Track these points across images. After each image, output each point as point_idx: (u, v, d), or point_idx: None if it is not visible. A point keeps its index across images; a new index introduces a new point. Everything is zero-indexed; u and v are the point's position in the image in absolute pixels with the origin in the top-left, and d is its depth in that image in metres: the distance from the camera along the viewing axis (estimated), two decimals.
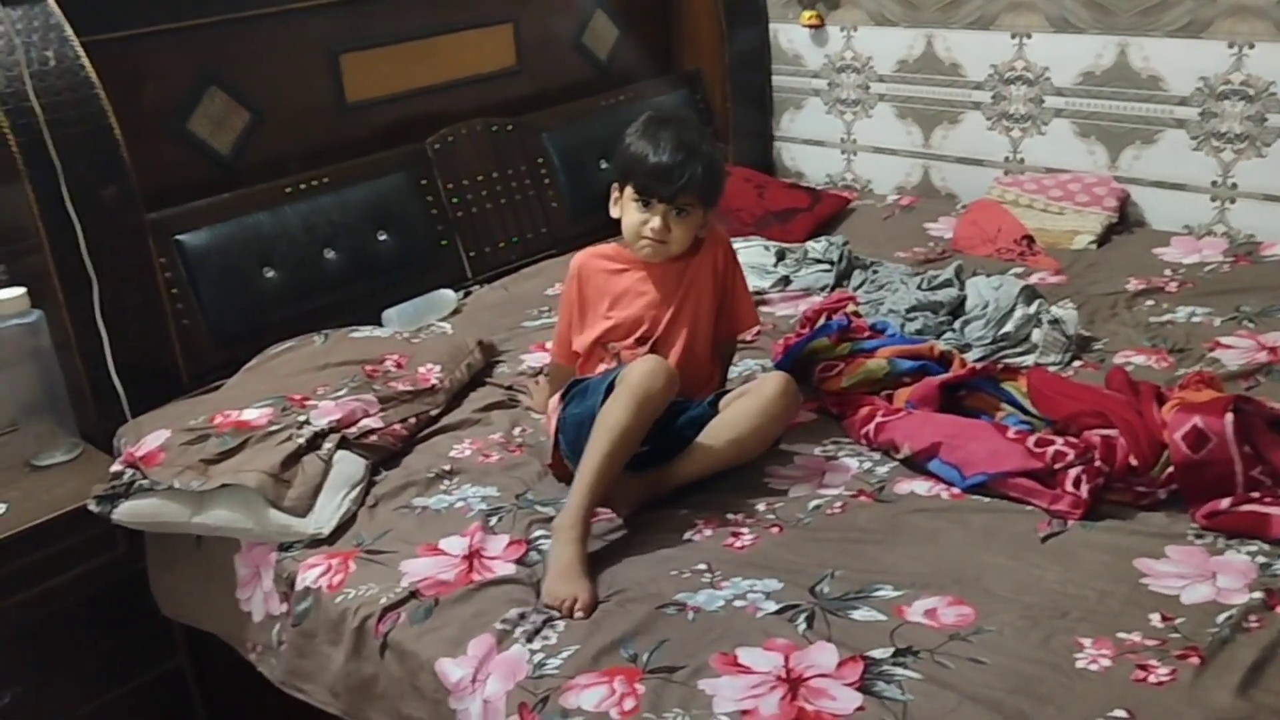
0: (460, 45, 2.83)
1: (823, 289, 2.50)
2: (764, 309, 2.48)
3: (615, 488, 1.65)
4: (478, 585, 1.55)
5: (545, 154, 2.94)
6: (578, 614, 1.47)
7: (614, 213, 1.85)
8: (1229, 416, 1.53)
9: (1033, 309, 2.13)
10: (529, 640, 1.44)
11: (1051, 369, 2.05)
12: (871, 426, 1.82)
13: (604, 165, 2.97)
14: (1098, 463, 1.60)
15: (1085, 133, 2.80)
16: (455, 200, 2.74)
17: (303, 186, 2.47)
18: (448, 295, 2.57)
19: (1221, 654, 1.30)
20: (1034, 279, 2.49)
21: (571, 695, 1.34)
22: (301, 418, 1.88)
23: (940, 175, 3.14)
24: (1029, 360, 2.08)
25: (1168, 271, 2.46)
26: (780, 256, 2.64)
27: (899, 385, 1.95)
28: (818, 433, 1.91)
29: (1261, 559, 1.46)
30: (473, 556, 1.62)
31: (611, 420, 1.60)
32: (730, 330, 1.96)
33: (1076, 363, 2.08)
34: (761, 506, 1.70)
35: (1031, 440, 1.69)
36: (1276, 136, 2.47)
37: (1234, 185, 2.58)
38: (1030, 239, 2.66)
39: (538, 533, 1.67)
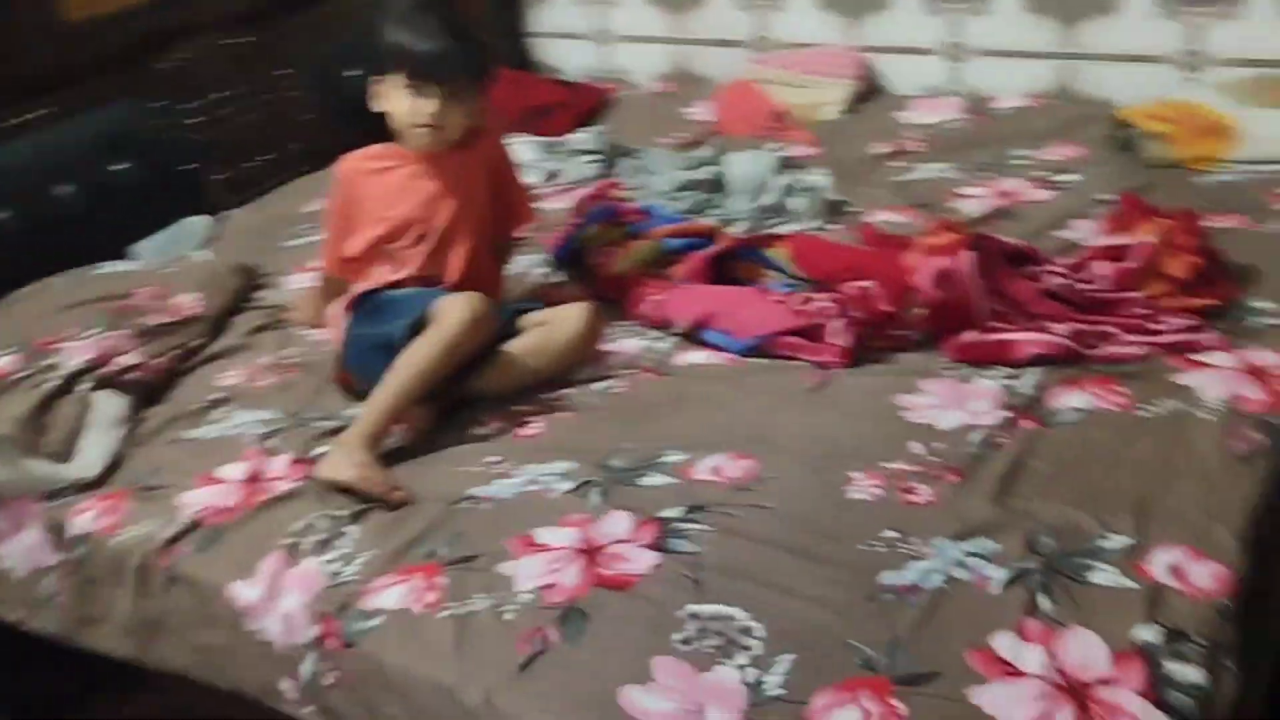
0: None
1: (592, 179, 2.50)
2: (535, 204, 2.46)
3: (409, 420, 1.63)
4: (261, 506, 1.51)
5: (290, 65, 2.79)
6: (397, 496, 1.48)
7: (379, 106, 1.76)
8: (966, 255, 1.64)
9: (788, 179, 2.21)
10: (321, 551, 1.42)
11: (811, 234, 2.14)
12: (648, 304, 1.86)
13: (355, 71, 2.84)
14: (856, 312, 1.69)
15: (825, 5, 2.89)
16: (197, 121, 2.57)
17: (18, 120, 2.26)
18: (197, 223, 2.43)
19: (976, 470, 1.41)
20: (790, 152, 2.58)
21: (371, 597, 1.34)
22: (50, 361, 1.76)
23: (695, 59, 3.18)
24: (790, 228, 2.15)
25: (911, 132, 2.59)
26: (546, 151, 2.62)
27: (672, 264, 1.99)
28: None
29: (1004, 381, 1.59)
30: (253, 480, 1.56)
31: (420, 361, 1.59)
32: (507, 226, 1.93)
33: (833, 225, 2.17)
34: (548, 395, 1.71)
35: (796, 301, 1.77)
36: None
37: (964, 46, 2.72)
38: (783, 113, 2.74)
39: (320, 449, 1.62)
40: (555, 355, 1.73)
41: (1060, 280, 1.68)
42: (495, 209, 1.86)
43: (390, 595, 1.34)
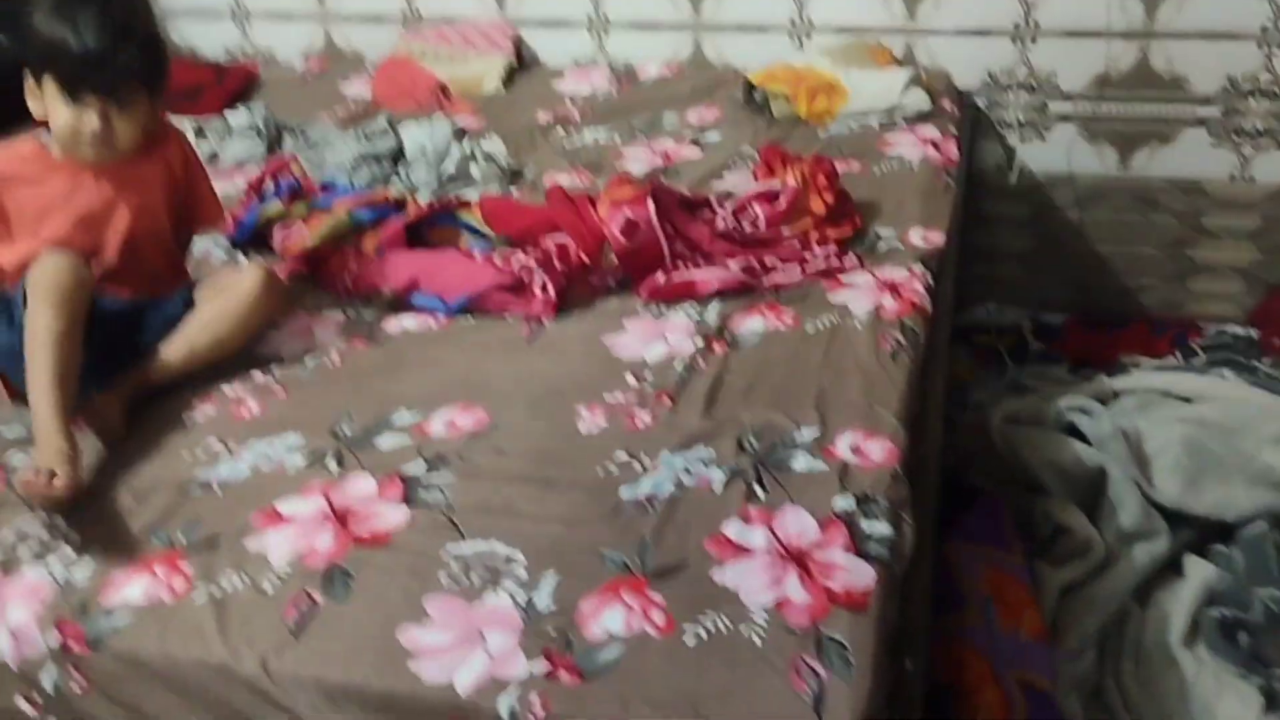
0: None
1: (259, 158, 2.44)
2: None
3: (92, 417, 1.53)
4: None
5: None
6: (57, 485, 1.35)
7: (36, 110, 1.57)
8: (650, 204, 1.81)
9: (465, 148, 2.28)
10: (41, 556, 1.34)
11: (498, 196, 2.24)
12: (347, 276, 1.87)
13: None
14: (557, 265, 1.81)
15: None
16: None
17: None
18: None
19: (684, 391, 1.58)
20: (457, 122, 2.65)
21: (112, 592, 1.29)
22: None
23: (343, 35, 3.15)
24: (474, 194, 2.24)
25: (568, 102, 2.75)
26: (199, 133, 2.51)
27: (363, 236, 2.01)
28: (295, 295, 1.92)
29: (694, 315, 1.77)
30: None
31: (39, 330, 1.46)
32: (193, 232, 1.84)
33: (514, 190, 2.28)
34: (258, 375, 1.69)
35: (497, 258, 1.86)
36: None
37: (606, 19, 2.91)
38: (444, 87, 2.80)
39: (13, 456, 1.52)
40: (236, 320, 1.65)
41: (728, 223, 1.89)
42: (177, 216, 1.74)
43: (133, 590, 1.29)
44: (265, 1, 3.16)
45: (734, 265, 1.82)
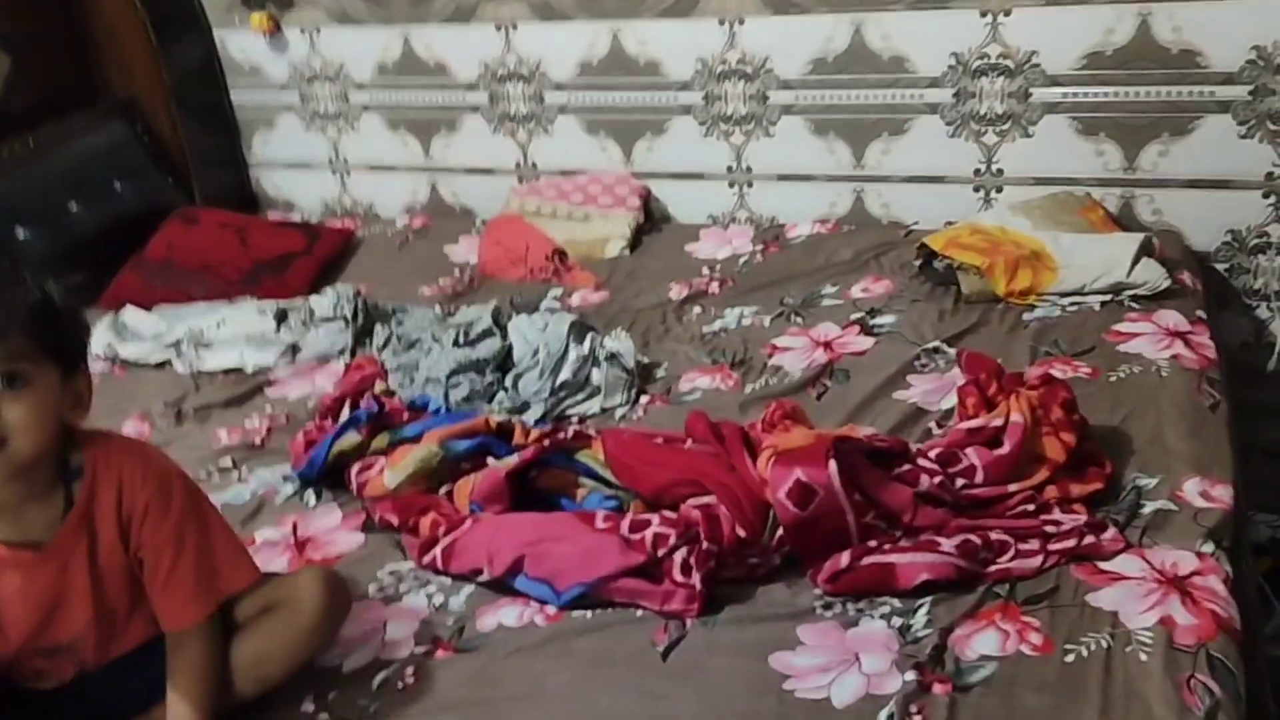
0: None
1: (340, 354, 2.07)
2: (274, 392, 2.01)
3: None
4: None
5: None
6: None
7: None
8: (832, 465, 1.34)
9: (586, 347, 1.87)
10: None
11: (619, 411, 1.80)
12: (438, 552, 1.45)
13: (24, 235, 2.30)
14: (704, 544, 1.35)
15: (593, 129, 2.60)
16: None
17: None
18: None
19: None
20: (575, 299, 2.25)
21: None
22: None
23: (449, 189, 2.81)
24: (594, 407, 1.81)
25: (705, 270, 2.32)
26: (281, 319, 2.16)
27: (458, 473, 1.60)
28: (370, 562, 1.51)
29: (897, 620, 1.28)
30: None
31: None
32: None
33: (644, 399, 1.85)
34: (309, 704, 1.26)
35: (625, 525, 1.41)
36: (781, 114, 2.41)
37: (749, 169, 2.49)
38: (562, 253, 2.41)
39: None
40: (284, 661, 1.23)
41: (934, 480, 1.41)
42: (139, 593, 1.18)
43: None
44: (366, 152, 2.84)
45: (947, 545, 1.33)
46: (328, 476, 1.67)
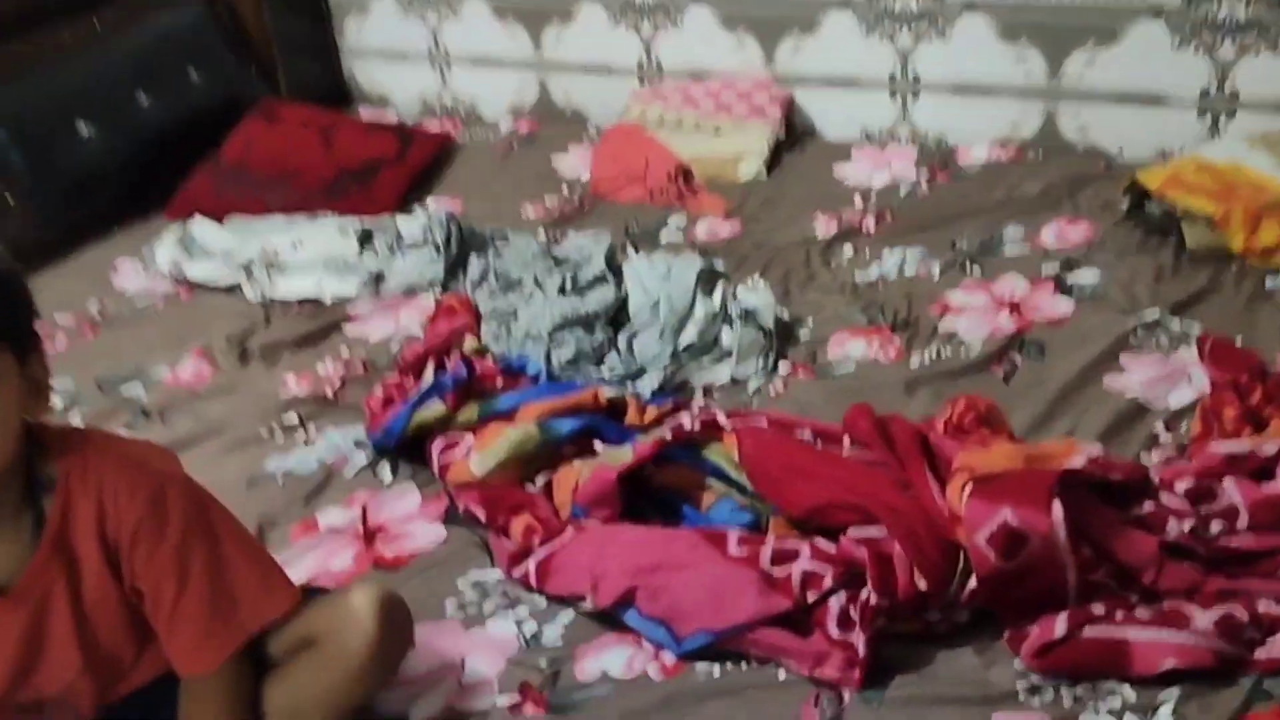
0: None
1: (430, 287, 1.78)
2: (353, 330, 1.74)
3: None
4: None
5: None
6: None
7: None
8: (1057, 508, 1.00)
9: (716, 301, 1.54)
10: None
11: (753, 383, 1.48)
12: (532, 566, 1.17)
13: (86, 133, 2.05)
14: (872, 597, 1.04)
15: (730, 23, 2.21)
16: None
17: None
18: None
19: None
20: (700, 230, 1.91)
21: None
22: None
23: (562, 89, 2.46)
24: (723, 374, 1.50)
25: (858, 200, 1.95)
26: (365, 240, 1.88)
27: (558, 458, 1.31)
28: (450, 566, 1.24)
29: (1131, 718, 0.96)
30: None
31: None
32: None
33: (783, 366, 1.52)
34: None
35: (767, 554, 1.10)
36: (962, 11, 1.99)
37: (916, 78, 2.09)
38: (687, 172, 2.07)
39: None
40: (332, 699, 0.97)
41: (1184, 523, 1.06)
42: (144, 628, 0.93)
43: None
44: (470, 43, 2.51)
45: (1201, 618, 0.99)
46: (406, 448, 1.40)
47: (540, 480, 1.29)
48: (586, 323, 1.50)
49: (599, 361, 1.49)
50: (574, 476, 1.26)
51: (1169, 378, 1.39)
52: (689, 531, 1.16)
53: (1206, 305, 1.53)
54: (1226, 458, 1.11)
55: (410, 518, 1.32)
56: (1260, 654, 0.99)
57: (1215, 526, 1.07)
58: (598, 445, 1.32)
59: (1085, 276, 1.65)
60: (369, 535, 1.29)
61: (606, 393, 1.37)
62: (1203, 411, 1.25)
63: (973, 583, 1.05)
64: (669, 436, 1.24)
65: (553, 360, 1.48)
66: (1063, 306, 1.59)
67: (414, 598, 1.07)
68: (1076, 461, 1.10)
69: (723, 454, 1.24)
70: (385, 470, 1.40)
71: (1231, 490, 1.09)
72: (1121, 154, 1.94)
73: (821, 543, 1.11)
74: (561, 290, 1.56)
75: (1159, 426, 1.31)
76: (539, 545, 1.18)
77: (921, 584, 1.05)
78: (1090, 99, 1.96)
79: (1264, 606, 1.02)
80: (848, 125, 2.17)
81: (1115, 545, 1.03)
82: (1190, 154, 1.79)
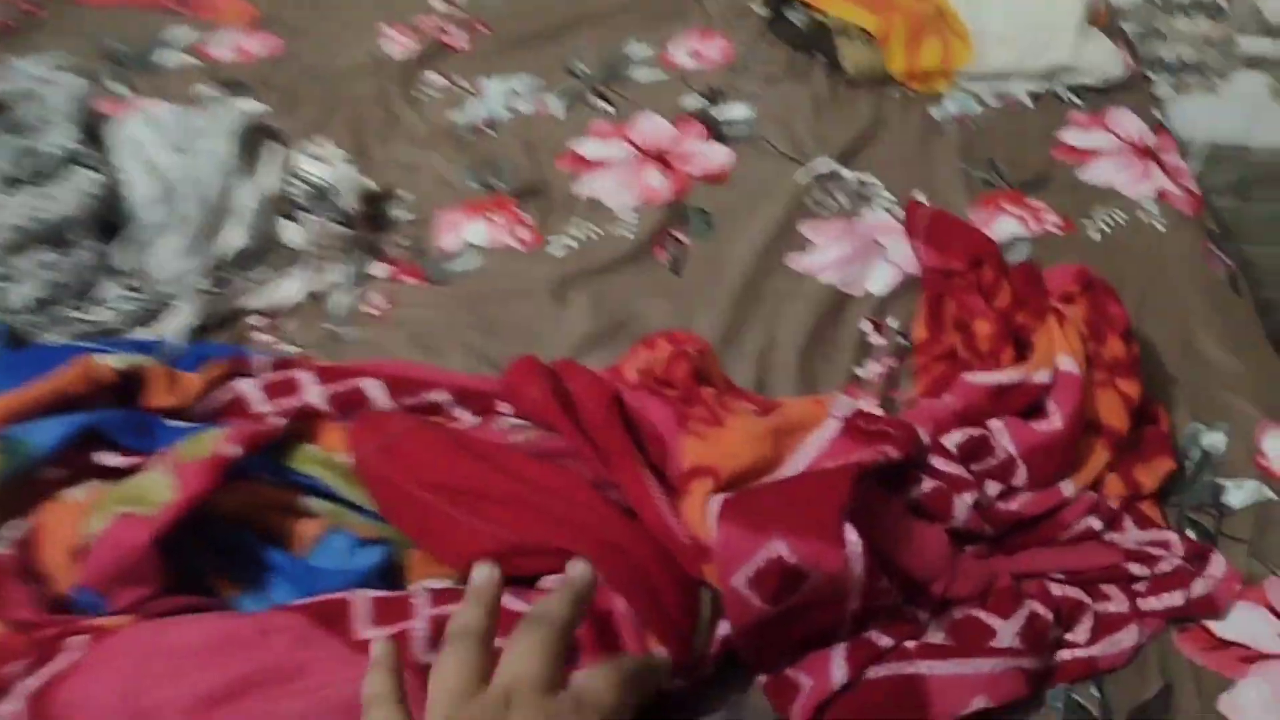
0: None
1: None
2: None
3: None
4: None
5: None
6: None
7: None
8: (852, 538, 0.69)
9: (269, 178, 1.03)
10: None
11: (343, 300, 1.03)
12: (21, 709, 0.68)
13: None
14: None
15: None
16: None
17: None
18: None
19: None
20: (220, 49, 1.35)
21: None
22: None
23: None
24: (292, 292, 1.02)
25: (437, 2, 1.47)
26: None
27: (37, 495, 0.79)
28: None
29: None
30: None
31: None
32: None
33: (378, 269, 1.07)
34: None
35: (420, 635, 0.71)
36: None
37: None
38: None
39: None
40: None
41: (968, 496, 0.81)
42: None
43: None
44: None
45: (1004, 631, 0.76)
46: None
47: (5, 536, 0.78)
48: (53, 234, 0.93)
49: (85, 296, 0.95)
50: (72, 526, 0.76)
51: (861, 254, 1.12)
52: (288, 610, 0.72)
53: (877, 149, 1.28)
54: (993, 389, 0.87)
55: None
56: (1065, 655, 0.78)
57: (992, 489, 0.84)
58: (109, 459, 0.81)
59: (735, 111, 1.33)
60: None
61: (109, 360, 0.85)
62: (926, 308, 1.01)
63: (724, 629, 0.74)
64: (231, 452, 0.77)
65: (5, 310, 0.91)
66: (718, 156, 1.26)
67: None
68: (829, 433, 0.80)
69: (318, 458, 0.80)
70: None
71: (1002, 436, 0.85)
72: None
73: (508, 599, 0.73)
74: (12, 181, 0.96)
75: (866, 326, 1.05)
76: (27, 675, 0.69)
77: (660, 650, 0.71)
78: None
79: (1058, 589, 0.81)
80: None
81: (901, 553, 0.76)
82: None
